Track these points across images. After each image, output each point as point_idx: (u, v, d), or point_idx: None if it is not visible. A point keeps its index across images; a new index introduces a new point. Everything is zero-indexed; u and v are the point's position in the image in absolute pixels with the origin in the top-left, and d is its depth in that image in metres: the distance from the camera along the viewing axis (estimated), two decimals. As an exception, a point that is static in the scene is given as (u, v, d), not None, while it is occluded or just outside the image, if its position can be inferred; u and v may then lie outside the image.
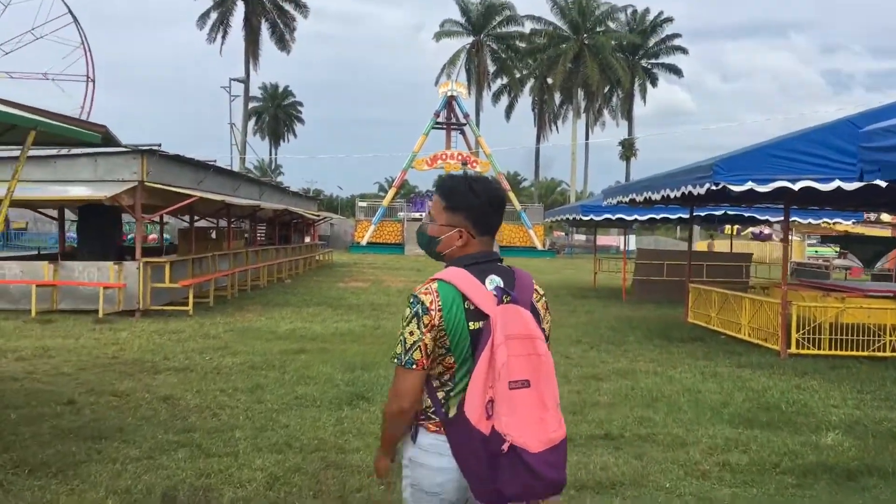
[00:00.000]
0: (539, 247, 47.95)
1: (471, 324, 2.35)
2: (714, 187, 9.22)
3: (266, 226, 28.41)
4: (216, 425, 6.07)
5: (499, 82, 71.00)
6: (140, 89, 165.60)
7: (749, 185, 9.10)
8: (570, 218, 18.90)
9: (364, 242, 48.45)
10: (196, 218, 18.84)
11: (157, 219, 22.62)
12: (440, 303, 2.35)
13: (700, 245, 56.55)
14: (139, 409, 6.55)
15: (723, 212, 17.19)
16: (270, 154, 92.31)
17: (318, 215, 31.11)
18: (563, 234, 62.41)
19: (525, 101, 74.03)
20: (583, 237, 60.45)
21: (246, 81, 62.30)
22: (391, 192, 51.52)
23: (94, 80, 41.97)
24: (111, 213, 13.99)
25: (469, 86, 67.81)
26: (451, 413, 2.37)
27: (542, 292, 2.57)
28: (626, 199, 13.32)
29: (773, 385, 8.13)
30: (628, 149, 71.58)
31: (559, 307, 16.14)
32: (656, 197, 11.42)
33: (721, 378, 8.51)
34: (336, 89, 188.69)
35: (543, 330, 2.47)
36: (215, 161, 15.99)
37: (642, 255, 18.71)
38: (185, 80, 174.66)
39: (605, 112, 74.22)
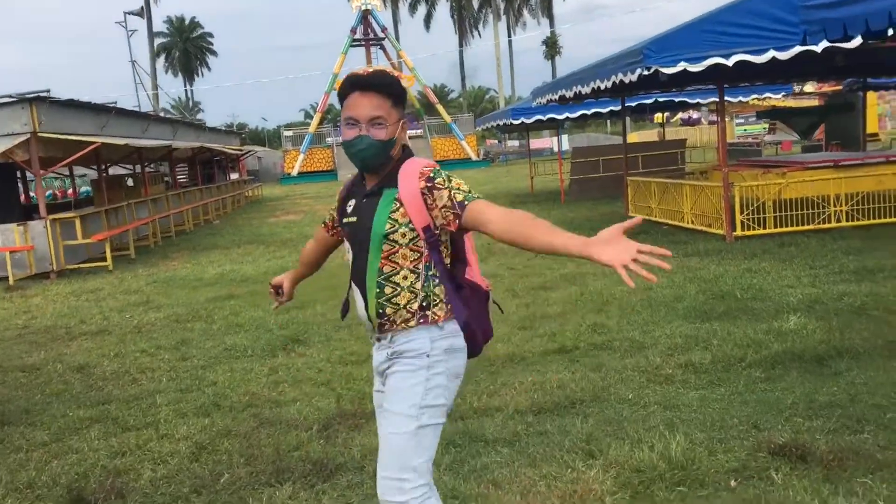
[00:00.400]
0: (473, 157, 47.35)
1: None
2: (646, 72, 8.72)
3: (187, 167, 27.13)
4: (135, 392, 5.48)
5: (414, -7, 68.74)
6: (30, 35, 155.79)
7: (682, 65, 8.63)
8: (501, 123, 18.31)
9: (294, 173, 47.13)
10: (106, 166, 17.64)
11: (65, 172, 21.35)
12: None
13: (632, 137, 56.69)
14: (49, 385, 5.90)
15: (653, 99, 16.85)
16: (186, 91, 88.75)
17: (241, 150, 29.79)
18: (497, 141, 61.80)
19: (443, 8, 72.07)
20: (516, 143, 59.95)
21: (147, 14, 58.97)
22: (316, 118, 49.89)
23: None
24: (7, 170, 12.86)
25: (384, 2, 65.46)
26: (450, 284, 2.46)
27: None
28: (556, 97, 12.78)
29: (725, 272, 7.86)
30: (552, 47, 70.55)
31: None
32: (586, 90, 10.90)
33: (670, 271, 8.19)
34: (247, 18, 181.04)
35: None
36: (115, 102, 14.77)
37: (577, 153, 18.32)
38: (80, 22, 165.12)
39: (526, 12, 72.84)
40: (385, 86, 2.37)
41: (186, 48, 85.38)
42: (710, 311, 6.32)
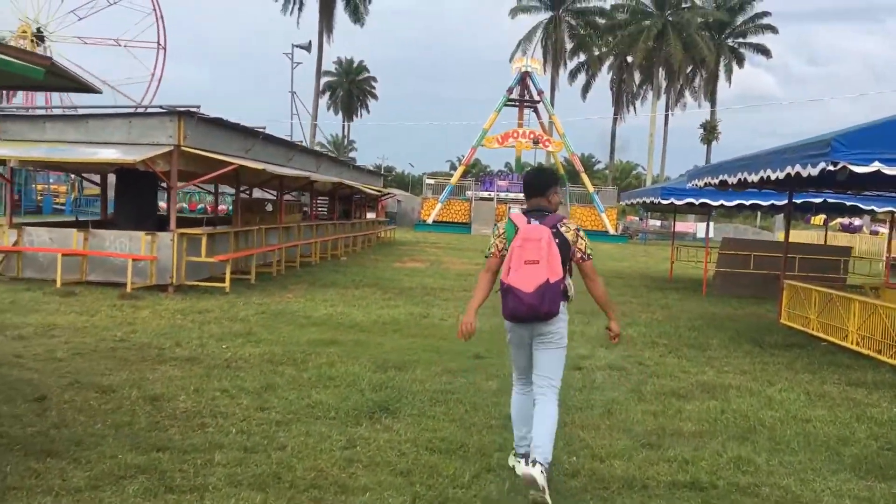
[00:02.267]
0: (611, 231, 45.97)
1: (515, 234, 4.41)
2: (831, 168, 7.58)
3: (327, 200, 27.47)
4: (197, 442, 4.87)
5: (576, 60, 68.78)
6: (213, 62, 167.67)
7: (875, 165, 7.43)
8: (648, 201, 17.21)
9: (430, 221, 47.30)
10: (247, 189, 17.86)
11: (211, 187, 21.93)
12: (504, 225, 4.55)
13: (782, 235, 53.62)
14: (116, 413, 5.42)
15: (822, 199, 15.30)
16: (343, 128, 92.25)
17: (380, 191, 29.94)
18: (637, 218, 60.02)
19: (603, 80, 71.61)
20: (657, 223, 57.92)
21: (319, 52, 61.79)
22: (459, 170, 50.20)
23: (164, 48, 41.94)
24: (149, 179, 13.06)
25: (545, 63, 65.66)
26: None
27: (573, 227, 4.55)
28: (716, 181, 11.65)
29: (902, 415, 6.51)
30: (710, 132, 68.30)
31: (631, 300, 14.59)
32: (753, 179, 9.77)
33: (832, 401, 6.92)
34: (409, 66, 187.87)
35: (576, 248, 4.53)
36: (265, 128, 14.88)
37: (727, 244, 16.91)
38: (261, 54, 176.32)
39: (687, 93, 71.18)
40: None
41: (350, 89, 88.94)
42: (886, 467, 5.08)
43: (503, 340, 8.12)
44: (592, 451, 5.08)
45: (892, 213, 16.12)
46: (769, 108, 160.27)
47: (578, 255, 4.51)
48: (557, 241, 4.36)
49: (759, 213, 68.05)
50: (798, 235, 50.55)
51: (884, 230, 45.76)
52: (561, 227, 4.43)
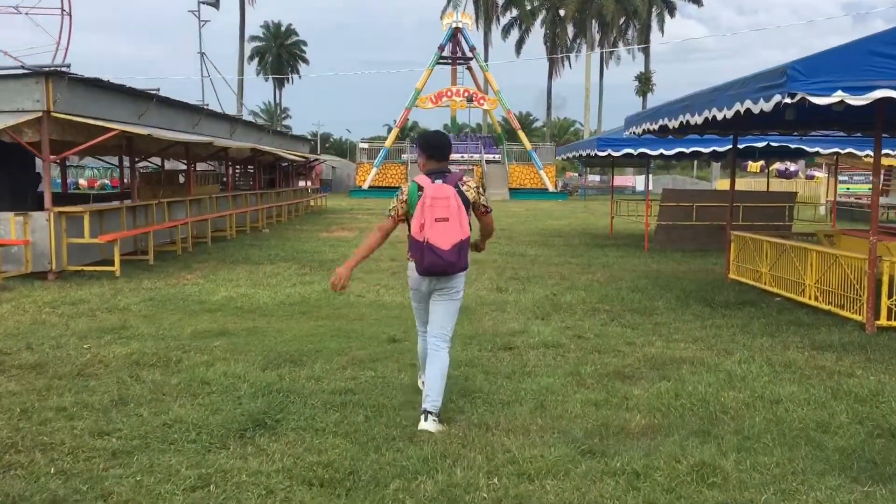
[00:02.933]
0: (550, 188, 45.15)
1: (418, 195, 4.55)
2: (788, 100, 6.54)
3: (251, 170, 25.82)
4: (-12, 495, 3.61)
5: (508, 15, 67.32)
6: (129, 31, 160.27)
7: (839, 94, 6.43)
8: (585, 154, 16.17)
9: (366, 186, 45.81)
10: (144, 159, 16.23)
11: (115, 161, 20.16)
12: (408, 189, 4.68)
13: (721, 183, 53.31)
14: None
15: (765, 143, 14.48)
16: (275, 96, 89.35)
17: (305, 157, 28.26)
18: (577, 174, 59.37)
19: (536, 35, 70.58)
20: (597, 178, 57.44)
21: (241, 16, 59.13)
22: (393, 132, 48.61)
23: (70, 14, 39.00)
24: (16, 152, 11.43)
25: (476, 20, 64.08)
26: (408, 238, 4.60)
27: (473, 185, 4.77)
28: (655, 127, 10.62)
29: (882, 386, 5.57)
30: (645, 83, 67.90)
31: (570, 260, 13.59)
32: (696, 120, 8.74)
33: (799, 371, 5.97)
34: (339, 30, 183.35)
35: (479, 203, 4.78)
36: (158, 90, 13.28)
37: (667, 196, 16.03)
38: (181, 19, 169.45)
39: (621, 44, 70.50)
40: None
41: (280, 54, 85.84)
42: (882, 462, 4.10)
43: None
44: (520, 466, 3.98)
45: (837, 154, 15.40)
46: (702, 60, 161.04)
47: (482, 209, 4.83)
48: (460, 198, 4.57)
49: (695, 163, 68.21)
50: (737, 184, 50.71)
51: (820, 174, 45.60)
52: (462, 185, 4.67)
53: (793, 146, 14.79)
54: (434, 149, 4.72)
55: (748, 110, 7.27)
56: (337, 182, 59.41)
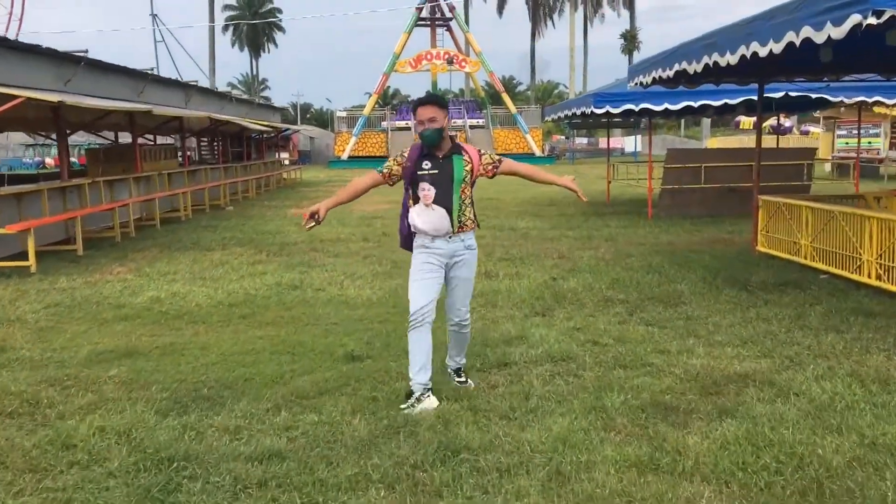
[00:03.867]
0: (537, 153, 43.38)
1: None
2: (873, 19, 4.83)
3: (212, 142, 23.91)
4: None
5: (488, -27, 64.95)
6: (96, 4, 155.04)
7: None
8: (580, 113, 14.43)
9: (345, 157, 43.90)
10: (69, 132, 14.32)
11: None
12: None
13: (711, 142, 51.41)
14: None
15: (783, 93, 12.78)
16: (252, 67, 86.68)
17: (273, 127, 26.21)
18: (563, 137, 57.49)
19: (518, -5, 68.04)
20: (584, 140, 55.57)
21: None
22: (371, 100, 46.48)
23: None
24: None
25: (456, -21, 61.71)
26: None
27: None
28: (670, 74, 8.87)
29: None
30: (631, 41, 65.83)
31: (567, 233, 11.96)
32: (729, 60, 7.00)
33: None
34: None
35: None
36: (86, 51, 11.41)
37: (673, 157, 14.35)
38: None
39: (605, 3, 68.31)
40: (438, 100, 4.34)
41: (254, 22, 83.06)
42: None
43: (393, 323, 5.99)
44: None
45: (863, 103, 13.73)
46: (685, 19, 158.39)
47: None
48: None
49: (682, 122, 65.84)
50: (728, 142, 48.75)
51: (815, 129, 43.69)
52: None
53: (814, 96, 13.10)
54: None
55: (806, 40, 5.56)
56: (316, 153, 57.40)
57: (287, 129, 31.05)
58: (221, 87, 56.02)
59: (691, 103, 13.14)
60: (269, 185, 24.48)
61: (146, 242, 11.60)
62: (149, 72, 13.97)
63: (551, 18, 70.17)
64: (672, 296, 7.11)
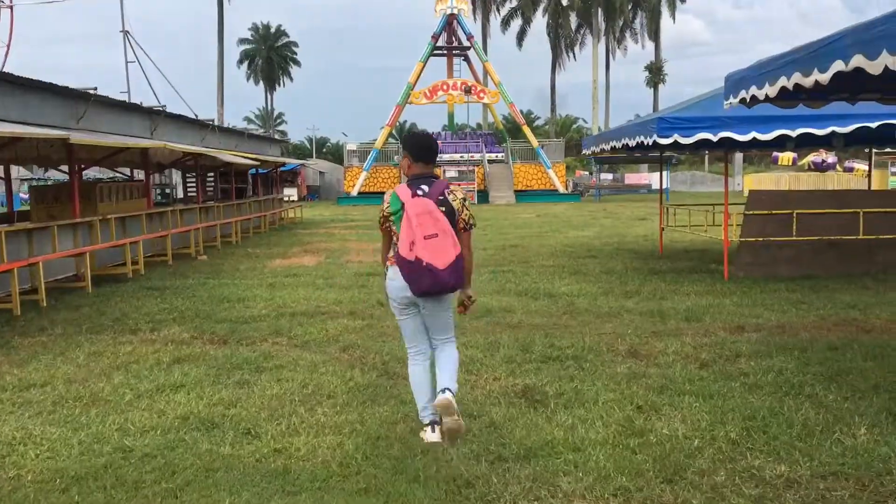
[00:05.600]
0: (561, 189, 40.34)
1: (401, 210, 4.24)
2: None
3: (197, 177, 20.94)
4: None
5: (508, 6, 62.58)
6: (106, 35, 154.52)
7: None
8: (635, 144, 11.27)
9: (354, 193, 41.01)
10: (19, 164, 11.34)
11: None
12: (389, 200, 4.35)
13: (747, 181, 47.97)
14: None
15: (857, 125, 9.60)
16: (266, 102, 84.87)
17: (261, 161, 23.06)
18: (587, 173, 54.39)
19: (539, 24, 65.67)
20: (609, 176, 52.40)
21: (220, 12, 54.55)
22: (384, 132, 43.59)
23: (11, 6, 34.38)
24: None
25: (474, 10, 59.37)
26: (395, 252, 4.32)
27: (459, 195, 4.40)
28: (790, 84, 5.74)
29: None
30: (656, 73, 63.05)
31: (627, 303, 8.77)
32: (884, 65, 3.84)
33: None
34: (332, 34, 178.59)
35: (460, 217, 4.33)
36: (96, 89, 8.60)
37: (757, 200, 11.18)
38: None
39: (628, 35, 65.60)
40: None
41: (270, 56, 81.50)
42: None
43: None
44: None
45: None
46: (699, 56, 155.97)
47: (462, 224, 4.40)
48: (444, 209, 4.28)
49: (706, 156, 61.99)
50: (764, 180, 45.29)
51: (860, 165, 40.12)
52: (448, 194, 4.37)
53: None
54: (422, 150, 4.47)
55: None
56: (326, 188, 54.71)
57: (285, 164, 28.07)
58: (237, 122, 53.53)
59: (787, 131, 9.94)
60: (262, 227, 21.47)
61: (51, 317, 8.48)
62: (90, 91, 10.98)
63: (572, 50, 67.56)
64: (869, 464, 3.88)
